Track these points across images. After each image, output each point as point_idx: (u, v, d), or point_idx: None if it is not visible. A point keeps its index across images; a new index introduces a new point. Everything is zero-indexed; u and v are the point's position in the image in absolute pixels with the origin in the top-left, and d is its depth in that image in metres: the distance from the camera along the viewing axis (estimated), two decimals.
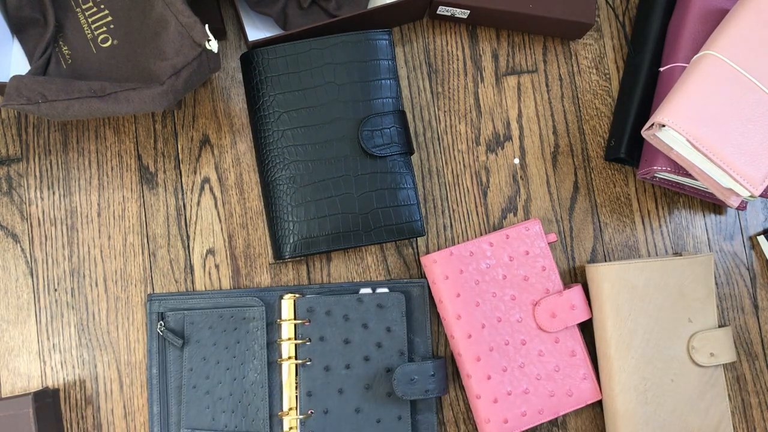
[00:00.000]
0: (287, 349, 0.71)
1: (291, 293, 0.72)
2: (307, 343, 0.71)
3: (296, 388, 0.71)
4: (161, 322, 0.71)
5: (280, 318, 0.72)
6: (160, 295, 0.72)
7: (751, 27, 0.69)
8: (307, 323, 0.71)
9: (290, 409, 0.70)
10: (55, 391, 0.72)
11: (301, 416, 0.70)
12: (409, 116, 0.79)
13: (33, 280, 0.74)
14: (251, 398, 0.70)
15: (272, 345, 0.72)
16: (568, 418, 0.76)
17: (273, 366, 0.71)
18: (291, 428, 0.70)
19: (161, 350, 0.72)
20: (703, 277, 0.74)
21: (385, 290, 0.73)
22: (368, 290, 0.73)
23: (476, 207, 0.78)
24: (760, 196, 0.70)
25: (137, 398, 0.73)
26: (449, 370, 0.75)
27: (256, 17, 0.77)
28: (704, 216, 0.80)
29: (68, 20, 0.72)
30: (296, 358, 0.71)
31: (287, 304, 0.72)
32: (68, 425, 0.72)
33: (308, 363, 0.71)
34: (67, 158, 0.76)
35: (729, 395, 0.77)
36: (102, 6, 0.72)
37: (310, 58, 0.72)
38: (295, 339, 0.71)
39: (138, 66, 0.69)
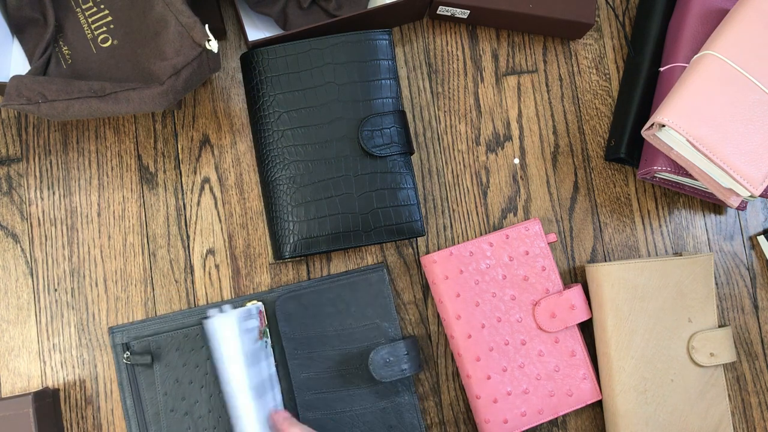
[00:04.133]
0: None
1: (254, 300, 0.72)
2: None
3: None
4: (127, 352, 0.71)
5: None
6: (122, 327, 0.71)
7: (751, 27, 0.69)
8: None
9: None
10: (55, 391, 0.72)
11: None
12: (409, 116, 0.79)
13: (33, 280, 0.74)
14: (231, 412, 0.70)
15: None
16: (568, 418, 0.76)
17: None
18: None
19: (132, 380, 0.70)
20: (703, 277, 0.74)
21: (229, 308, 0.69)
22: (216, 311, 0.66)
23: (476, 207, 0.78)
24: (760, 196, 0.70)
25: None
26: (449, 370, 0.75)
27: (256, 17, 0.77)
28: (704, 216, 0.80)
29: (68, 20, 0.72)
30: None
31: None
32: (68, 425, 0.72)
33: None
34: (67, 158, 0.76)
35: (729, 395, 0.77)
36: (102, 6, 0.72)
37: (310, 58, 0.72)
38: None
39: (138, 66, 0.69)
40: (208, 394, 0.70)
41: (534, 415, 0.72)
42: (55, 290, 0.74)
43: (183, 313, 0.72)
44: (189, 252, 0.75)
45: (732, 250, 0.80)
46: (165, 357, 0.71)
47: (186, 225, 0.76)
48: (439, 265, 0.73)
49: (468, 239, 0.77)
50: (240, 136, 0.77)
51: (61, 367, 0.73)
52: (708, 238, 0.80)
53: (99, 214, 0.75)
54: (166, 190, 0.76)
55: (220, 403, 0.70)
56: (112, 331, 0.71)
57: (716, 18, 0.74)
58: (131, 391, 0.70)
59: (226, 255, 0.75)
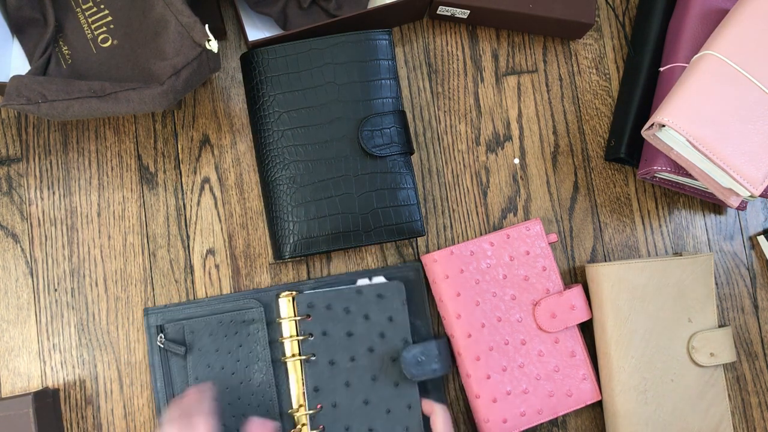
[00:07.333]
0: (290, 347, 0.71)
1: (288, 291, 0.72)
2: (310, 339, 0.71)
3: (303, 384, 0.71)
4: (161, 334, 0.71)
5: (280, 317, 0.72)
6: (157, 308, 0.72)
7: (751, 27, 0.69)
8: (308, 319, 0.71)
9: (300, 406, 0.70)
10: (55, 391, 0.72)
11: (310, 411, 0.70)
12: (409, 116, 0.79)
13: (33, 280, 0.74)
14: (260, 399, 0.70)
15: (274, 344, 0.72)
16: (568, 418, 0.76)
17: (278, 365, 0.71)
18: (303, 425, 0.70)
19: (164, 363, 0.71)
20: (703, 277, 0.74)
21: (382, 279, 0.73)
22: (365, 280, 0.73)
23: (476, 207, 0.78)
24: (760, 196, 0.70)
25: (137, 398, 0.73)
26: (451, 369, 0.75)
27: (256, 17, 0.77)
28: (704, 216, 0.80)
29: (68, 20, 0.72)
30: (300, 355, 0.71)
31: (285, 302, 0.72)
32: (68, 425, 0.72)
33: (312, 358, 0.71)
34: (67, 158, 0.76)
35: (729, 395, 0.77)
36: (102, 6, 0.72)
37: (310, 58, 0.72)
38: (297, 336, 0.71)
39: (138, 66, 0.69)
40: (238, 381, 0.71)
41: (533, 415, 0.72)
42: (55, 290, 0.74)
43: (219, 299, 0.73)
44: (189, 252, 0.75)
45: (732, 250, 0.80)
46: (198, 342, 0.71)
47: (186, 225, 0.76)
48: (439, 264, 0.73)
49: (468, 239, 0.77)
50: (240, 136, 0.77)
51: (61, 367, 0.73)
52: (708, 238, 0.80)
53: (99, 214, 0.75)
54: (166, 190, 0.76)
55: (249, 391, 0.70)
56: (147, 311, 0.71)
57: (716, 18, 0.74)
58: (162, 373, 0.71)
59: (226, 255, 0.75)
